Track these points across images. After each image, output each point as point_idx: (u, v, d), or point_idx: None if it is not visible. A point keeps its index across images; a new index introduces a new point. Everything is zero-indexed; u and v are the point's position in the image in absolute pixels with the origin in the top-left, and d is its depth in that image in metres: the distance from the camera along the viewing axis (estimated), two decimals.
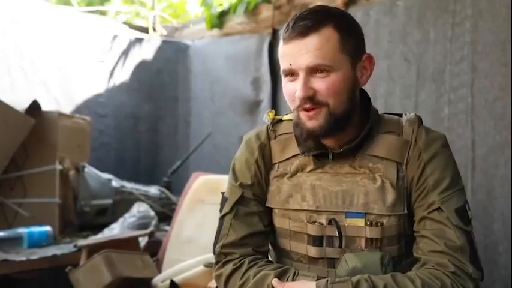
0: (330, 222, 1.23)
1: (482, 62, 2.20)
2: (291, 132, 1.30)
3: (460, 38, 2.29)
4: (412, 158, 1.22)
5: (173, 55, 4.01)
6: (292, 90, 1.20)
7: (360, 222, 1.21)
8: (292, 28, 1.18)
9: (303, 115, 1.20)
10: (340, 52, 1.17)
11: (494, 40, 2.17)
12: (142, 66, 3.89)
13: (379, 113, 1.31)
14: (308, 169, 1.27)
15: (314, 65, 1.16)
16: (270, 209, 1.32)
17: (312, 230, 1.24)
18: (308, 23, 1.17)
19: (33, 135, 2.75)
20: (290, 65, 1.18)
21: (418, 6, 2.47)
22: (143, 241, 2.60)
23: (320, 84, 1.17)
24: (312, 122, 1.19)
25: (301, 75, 1.17)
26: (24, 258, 2.36)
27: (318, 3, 3.04)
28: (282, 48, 1.21)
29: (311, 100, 1.17)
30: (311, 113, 1.18)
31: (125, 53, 3.81)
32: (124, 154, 3.81)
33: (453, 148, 1.27)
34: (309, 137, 1.22)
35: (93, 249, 2.27)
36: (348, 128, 1.24)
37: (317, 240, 1.24)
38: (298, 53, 1.17)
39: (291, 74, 1.20)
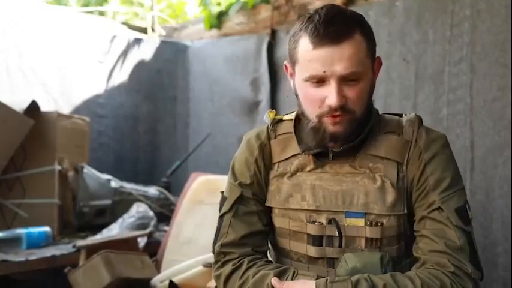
0: (329, 222, 1.23)
1: (481, 63, 2.21)
2: (291, 132, 1.30)
3: (458, 38, 2.29)
4: (413, 158, 1.22)
5: (172, 56, 4.01)
6: (318, 96, 1.18)
7: (360, 222, 1.21)
8: (323, 32, 1.14)
9: (328, 120, 1.18)
10: (367, 57, 1.18)
11: (493, 41, 2.17)
12: (141, 66, 3.89)
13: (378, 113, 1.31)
14: (308, 169, 1.27)
15: (349, 72, 1.14)
16: (269, 209, 1.32)
17: (312, 229, 1.24)
18: (339, 28, 1.14)
19: (32, 136, 2.74)
20: (324, 72, 1.15)
21: (417, 7, 2.48)
22: (142, 241, 2.60)
23: (351, 92, 1.16)
24: (336, 126, 1.18)
25: (334, 83, 1.15)
26: (23, 259, 2.36)
27: (317, 4, 3.06)
28: (311, 53, 1.15)
29: (341, 108, 1.16)
30: (337, 119, 1.17)
31: (124, 53, 3.80)
32: (123, 154, 3.81)
33: (452, 149, 1.27)
34: (332, 141, 1.21)
35: (92, 250, 2.27)
36: None
37: (317, 240, 1.24)
38: (332, 60, 1.14)
39: (320, 80, 1.17)
